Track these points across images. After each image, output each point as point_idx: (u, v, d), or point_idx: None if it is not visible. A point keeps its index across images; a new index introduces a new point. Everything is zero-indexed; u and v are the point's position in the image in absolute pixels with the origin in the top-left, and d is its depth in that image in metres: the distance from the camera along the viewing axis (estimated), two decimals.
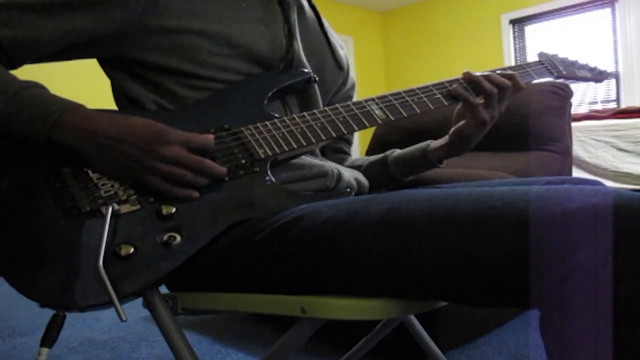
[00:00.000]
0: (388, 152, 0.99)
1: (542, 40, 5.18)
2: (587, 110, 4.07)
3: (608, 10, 4.77)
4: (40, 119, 0.65)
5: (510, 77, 0.85)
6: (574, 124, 2.47)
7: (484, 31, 5.52)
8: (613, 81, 4.78)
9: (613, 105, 4.74)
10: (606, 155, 3.35)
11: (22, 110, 0.65)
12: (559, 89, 1.80)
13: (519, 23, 5.33)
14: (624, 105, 4.58)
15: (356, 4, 6.03)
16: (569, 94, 1.82)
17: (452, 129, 0.91)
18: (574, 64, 1.04)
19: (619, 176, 3.28)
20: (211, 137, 0.69)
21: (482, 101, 0.84)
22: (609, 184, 3.12)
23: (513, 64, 5.34)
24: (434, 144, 0.94)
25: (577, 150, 3.40)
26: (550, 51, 1.03)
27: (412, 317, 1.00)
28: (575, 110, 4.41)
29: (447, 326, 1.37)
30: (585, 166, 3.43)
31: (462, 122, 0.88)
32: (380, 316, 0.61)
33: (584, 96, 4.89)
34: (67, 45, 0.73)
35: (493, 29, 5.46)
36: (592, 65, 1.08)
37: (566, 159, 1.77)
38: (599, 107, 4.68)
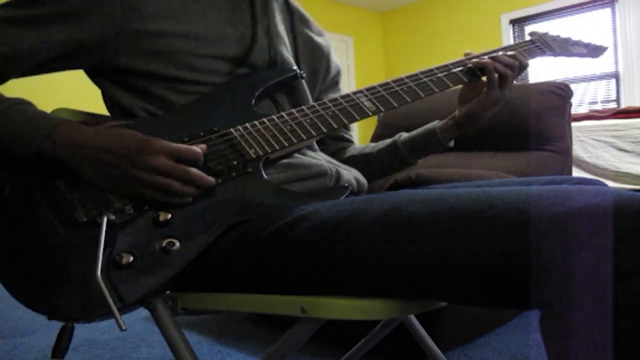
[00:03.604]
0: (396, 137, 0.98)
1: None
2: (587, 110, 4.07)
3: (608, 10, 4.77)
4: (30, 136, 0.65)
5: (516, 57, 0.86)
6: (574, 124, 2.47)
7: (484, 31, 5.52)
8: (613, 81, 4.78)
9: (613, 105, 4.74)
10: (606, 155, 3.35)
11: (10, 128, 0.65)
12: (559, 89, 1.80)
13: (519, 23, 5.33)
14: (624, 105, 4.59)
15: (356, 4, 6.03)
16: (569, 94, 1.82)
17: (460, 109, 0.90)
18: (567, 40, 1.02)
19: (619, 176, 3.27)
20: (200, 150, 0.68)
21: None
22: (609, 184, 3.11)
23: None
24: (441, 124, 0.93)
25: (577, 150, 3.40)
26: (541, 30, 1.02)
27: (412, 317, 1.00)
28: (575, 110, 4.41)
29: (447, 326, 1.37)
30: (585, 166, 3.43)
31: (473, 102, 0.88)
32: (380, 316, 0.61)
33: (584, 96, 4.89)
34: (49, 58, 0.73)
35: (493, 29, 5.46)
36: (586, 41, 1.05)
37: (566, 159, 1.77)
38: (599, 107, 4.68)
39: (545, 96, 1.79)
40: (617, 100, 4.76)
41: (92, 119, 0.74)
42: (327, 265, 0.59)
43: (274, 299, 0.63)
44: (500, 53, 0.86)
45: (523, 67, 0.87)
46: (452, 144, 0.94)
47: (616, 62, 4.75)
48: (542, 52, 0.96)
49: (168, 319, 0.67)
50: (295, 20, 0.92)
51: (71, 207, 0.65)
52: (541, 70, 5.13)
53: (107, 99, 0.81)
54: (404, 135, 0.97)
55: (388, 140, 0.99)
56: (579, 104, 4.85)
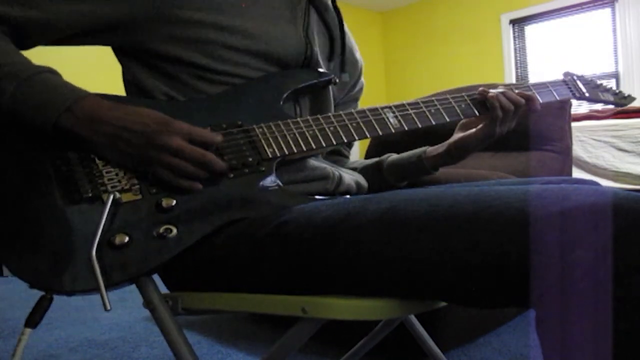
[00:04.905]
0: (384, 157, 0.99)
1: (542, 40, 5.18)
2: (587, 110, 4.07)
3: (608, 10, 4.77)
4: (51, 105, 0.65)
5: (527, 98, 0.86)
6: (574, 124, 2.47)
7: (484, 31, 5.52)
8: (613, 81, 4.78)
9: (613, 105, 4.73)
10: (606, 155, 3.35)
11: (34, 96, 0.65)
12: None
13: (519, 23, 5.33)
14: None
15: (356, 4, 6.03)
16: None
17: (454, 138, 0.90)
18: (598, 86, 1.03)
19: (619, 176, 3.27)
20: (218, 136, 0.68)
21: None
22: (609, 184, 3.11)
23: (513, 64, 5.34)
24: (430, 150, 0.94)
25: (577, 150, 3.40)
26: (576, 72, 1.02)
27: (412, 317, 1.00)
28: (575, 110, 4.41)
29: (447, 326, 1.37)
30: (585, 166, 3.43)
31: (468, 132, 0.88)
32: (381, 316, 0.61)
33: None
34: (82, 30, 0.73)
35: (493, 29, 5.46)
36: (616, 89, 1.08)
37: (566, 159, 1.77)
38: (599, 107, 4.67)
39: None
40: None
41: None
42: (326, 264, 0.59)
43: (274, 299, 0.63)
44: (517, 91, 0.86)
45: (532, 110, 0.86)
46: (437, 172, 0.95)
47: (616, 62, 4.75)
48: (572, 94, 0.96)
49: (168, 319, 0.67)
50: (336, 26, 0.91)
51: (78, 181, 0.65)
52: (541, 70, 5.13)
53: (128, 78, 0.81)
54: (392, 157, 0.98)
55: (375, 159, 0.99)
56: (579, 104, 4.85)
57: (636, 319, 0.43)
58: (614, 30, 4.74)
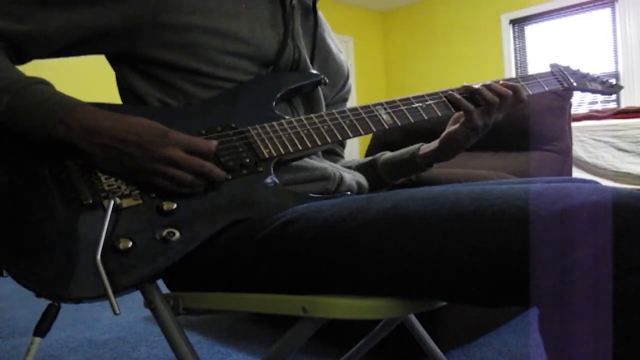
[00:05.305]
0: (378, 155, 0.99)
1: (542, 40, 5.18)
2: (587, 110, 4.07)
3: (608, 10, 4.77)
4: (44, 117, 0.65)
5: (513, 89, 0.85)
6: (574, 124, 2.47)
7: (484, 31, 5.52)
8: (613, 81, 4.77)
9: (613, 105, 4.74)
10: (606, 155, 3.35)
11: (27, 108, 0.65)
12: None
13: (519, 23, 5.33)
14: (624, 105, 4.58)
15: (356, 4, 6.03)
16: (569, 94, 1.82)
17: (444, 133, 0.91)
18: (585, 76, 1.04)
19: (619, 176, 3.27)
20: (214, 143, 0.68)
21: (480, 108, 0.84)
22: (608, 184, 3.11)
23: (513, 64, 5.34)
24: (423, 147, 0.94)
25: (577, 150, 3.40)
26: (563, 63, 1.03)
27: (412, 317, 1.00)
28: (575, 110, 4.41)
29: (447, 326, 1.37)
30: (585, 166, 3.43)
31: (454, 127, 0.88)
32: (381, 316, 0.61)
33: (584, 96, 4.89)
34: (77, 41, 0.73)
35: (493, 29, 5.46)
36: (603, 78, 1.08)
37: (566, 159, 1.77)
38: (599, 107, 4.68)
39: (545, 96, 1.79)
40: (617, 100, 4.76)
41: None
42: (328, 263, 0.59)
43: (275, 299, 0.63)
44: (501, 82, 0.86)
45: (519, 100, 0.86)
46: (431, 168, 0.95)
47: (616, 62, 4.75)
48: (560, 85, 0.97)
49: (170, 319, 0.67)
50: (318, 27, 0.92)
51: (78, 188, 0.65)
52: (541, 70, 5.13)
53: (122, 85, 0.81)
54: (386, 154, 0.98)
55: (370, 158, 0.99)
56: (579, 104, 4.85)
57: (636, 319, 0.43)
58: (614, 30, 4.74)
